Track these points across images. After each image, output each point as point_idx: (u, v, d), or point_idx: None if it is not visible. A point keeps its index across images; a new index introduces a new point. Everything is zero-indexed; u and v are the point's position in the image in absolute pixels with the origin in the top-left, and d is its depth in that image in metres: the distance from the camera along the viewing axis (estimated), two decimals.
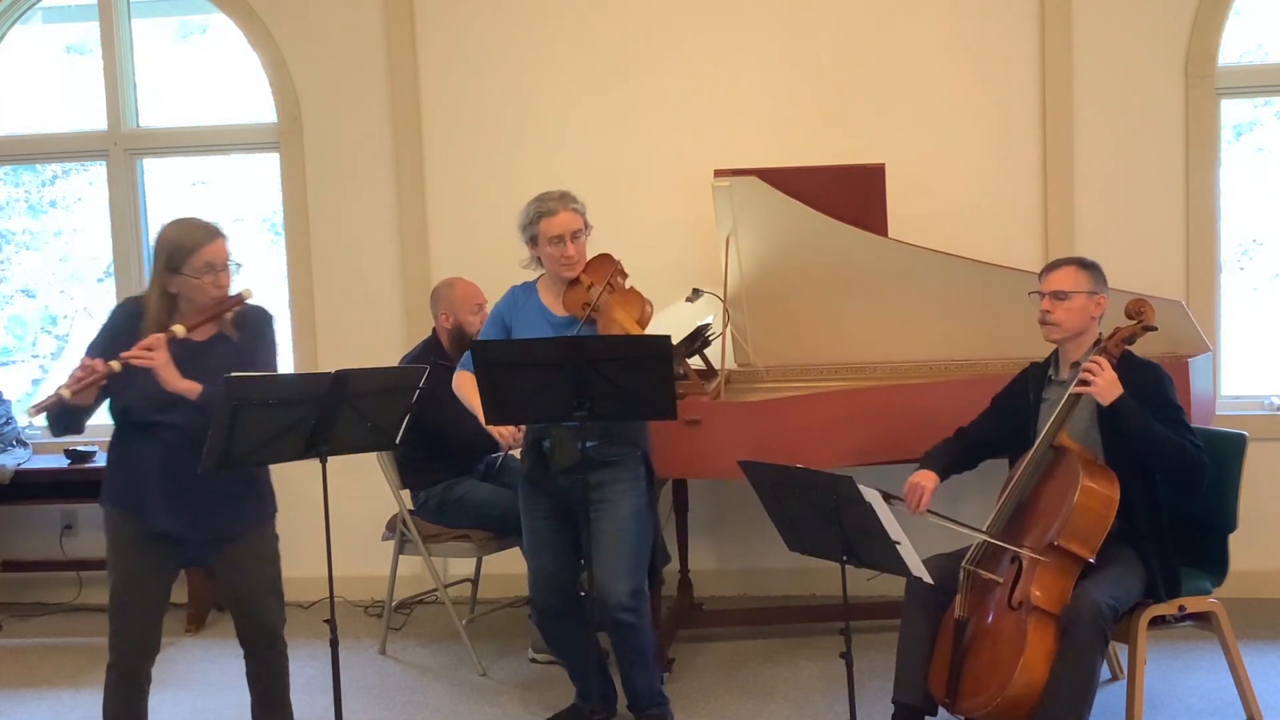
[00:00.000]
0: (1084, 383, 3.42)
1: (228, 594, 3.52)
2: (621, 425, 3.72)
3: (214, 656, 4.78)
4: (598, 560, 3.73)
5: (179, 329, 3.23)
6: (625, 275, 3.80)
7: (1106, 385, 3.40)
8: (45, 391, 3.24)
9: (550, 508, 3.79)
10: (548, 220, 3.74)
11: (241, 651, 3.54)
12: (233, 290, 3.35)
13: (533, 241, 3.80)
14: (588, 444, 3.61)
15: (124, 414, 3.34)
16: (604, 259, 3.80)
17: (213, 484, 3.27)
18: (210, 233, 3.31)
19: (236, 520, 3.41)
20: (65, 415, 3.26)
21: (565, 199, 3.78)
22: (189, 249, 3.26)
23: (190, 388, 3.21)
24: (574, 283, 3.78)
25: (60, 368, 6.13)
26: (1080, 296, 3.56)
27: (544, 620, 3.94)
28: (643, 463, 3.80)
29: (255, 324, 3.43)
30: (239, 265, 3.37)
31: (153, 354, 3.18)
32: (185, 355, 3.26)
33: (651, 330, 3.69)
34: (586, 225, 3.80)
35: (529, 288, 3.91)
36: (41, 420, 5.78)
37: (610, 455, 3.74)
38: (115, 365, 3.17)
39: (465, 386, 3.79)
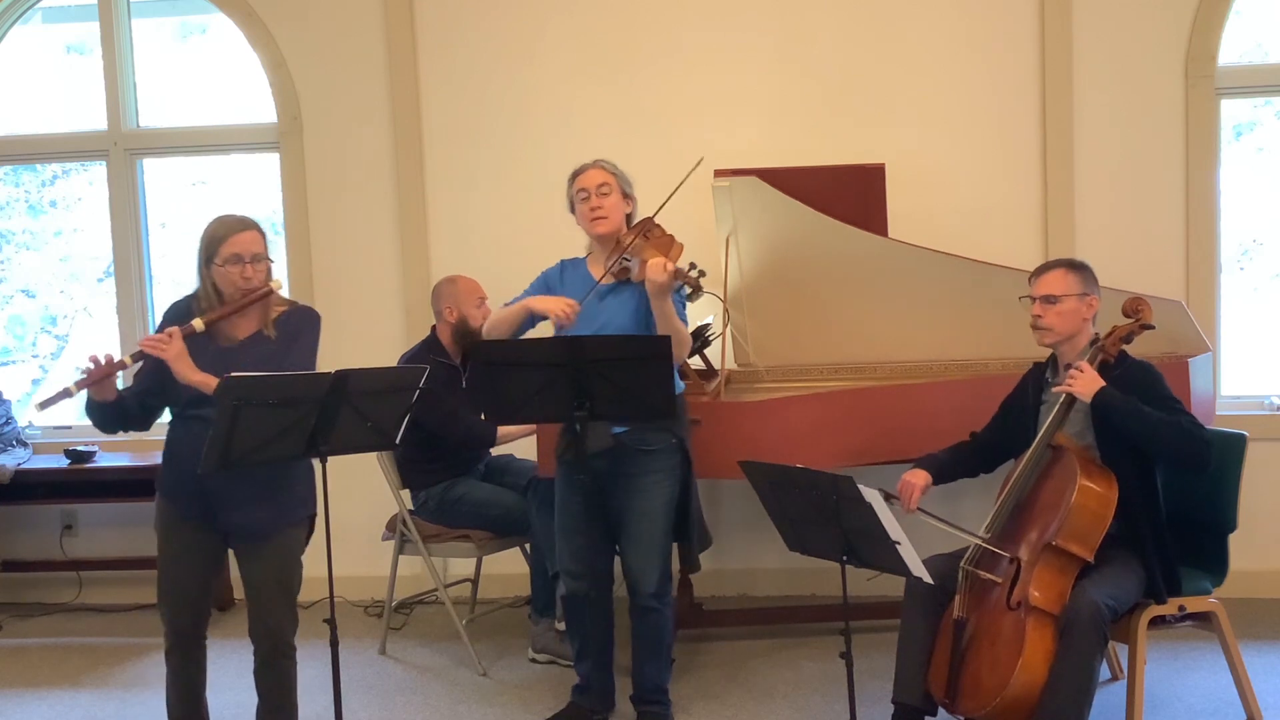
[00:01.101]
0: (1068, 386, 3.43)
1: (245, 588, 3.53)
2: None
3: (214, 656, 4.75)
4: (629, 547, 3.80)
5: (197, 323, 3.27)
6: (661, 229, 3.80)
7: (1086, 383, 3.41)
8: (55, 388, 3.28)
9: (586, 489, 3.77)
10: (578, 178, 3.85)
11: (248, 651, 3.55)
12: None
13: (572, 207, 3.87)
14: (620, 430, 3.65)
15: (173, 407, 3.38)
16: (643, 220, 3.83)
17: (242, 478, 3.29)
18: (241, 224, 3.37)
19: (260, 516, 3.40)
20: (94, 410, 3.30)
21: (597, 161, 3.88)
22: (219, 239, 3.33)
23: (204, 381, 3.24)
24: (616, 246, 3.81)
25: (60, 368, 6.13)
26: (1071, 299, 3.55)
27: (571, 605, 3.96)
28: (679, 451, 3.80)
29: (294, 325, 3.45)
30: (272, 261, 3.41)
31: (166, 345, 3.21)
32: (220, 354, 3.30)
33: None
34: (625, 193, 3.84)
35: (578, 260, 3.95)
36: (47, 420, 5.83)
37: (647, 443, 3.75)
38: (127, 360, 3.22)
39: (500, 314, 3.84)
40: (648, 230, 3.78)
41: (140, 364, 3.38)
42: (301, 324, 3.47)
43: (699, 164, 3.75)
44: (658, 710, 3.90)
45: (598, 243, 3.86)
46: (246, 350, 3.36)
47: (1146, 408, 3.40)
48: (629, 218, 3.87)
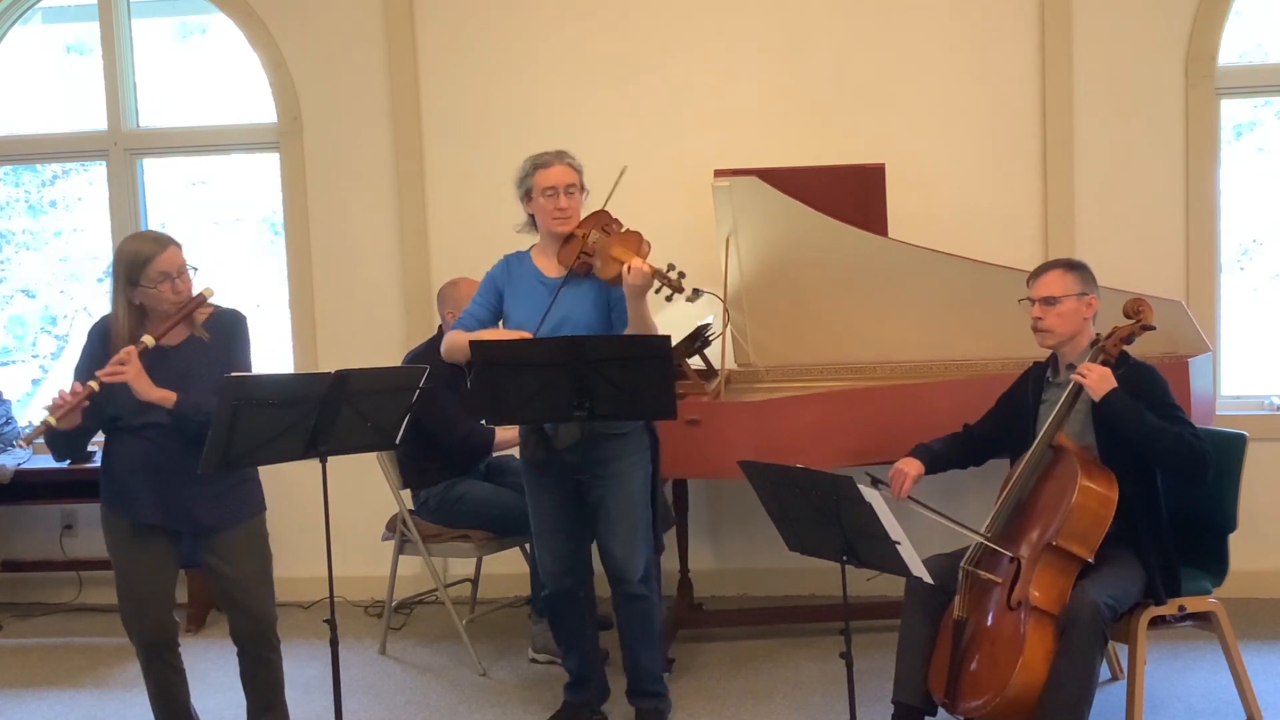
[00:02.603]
0: (1082, 378, 3.43)
1: (218, 589, 3.55)
2: None
3: (214, 656, 4.78)
4: (611, 536, 3.77)
5: (148, 339, 3.31)
6: (620, 223, 3.74)
7: (1098, 380, 3.41)
8: (38, 414, 3.36)
9: (558, 489, 3.76)
10: (543, 171, 3.75)
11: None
12: (196, 292, 3.42)
13: (527, 196, 3.80)
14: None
15: (112, 422, 3.41)
16: (597, 213, 3.77)
17: (194, 479, 3.32)
18: (161, 243, 3.38)
19: (218, 514, 3.43)
20: (61, 440, 3.38)
21: (561, 154, 3.80)
22: (143, 261, 3.33)
23: (164, 397, 3.28)
24: (568, 240, 3.76)
25: (60, 368, 6.13)
26: (1070, 300, 3.55)
27: (554, 603, 3.93)
28: (647, 430, 3.80)
29: (226, 326, 3.49)
30: (195, 269, 3.42)
31: (124, 368, 3.26)
32: (158, 361, 3.33)
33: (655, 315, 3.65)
34: (583, 186, 3.79)
35: (522, 255, 3.90)
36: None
37: (616, 428, 3.73)
38: (94, 385, 3.27)
39: (455, 340, 3.74)
40: (606, 225, 3.72)
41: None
42: (233, 324, 3.51)
43: (623, 172, 3.70)
44: (656, 701, 3.90)
45: (550, 237, 3.81)
46: (184, 354, 3.39)
47: (1152, 417, 3.40)
48: None
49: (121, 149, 5.66)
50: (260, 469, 3.52)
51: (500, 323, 3.85)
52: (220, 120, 5.69)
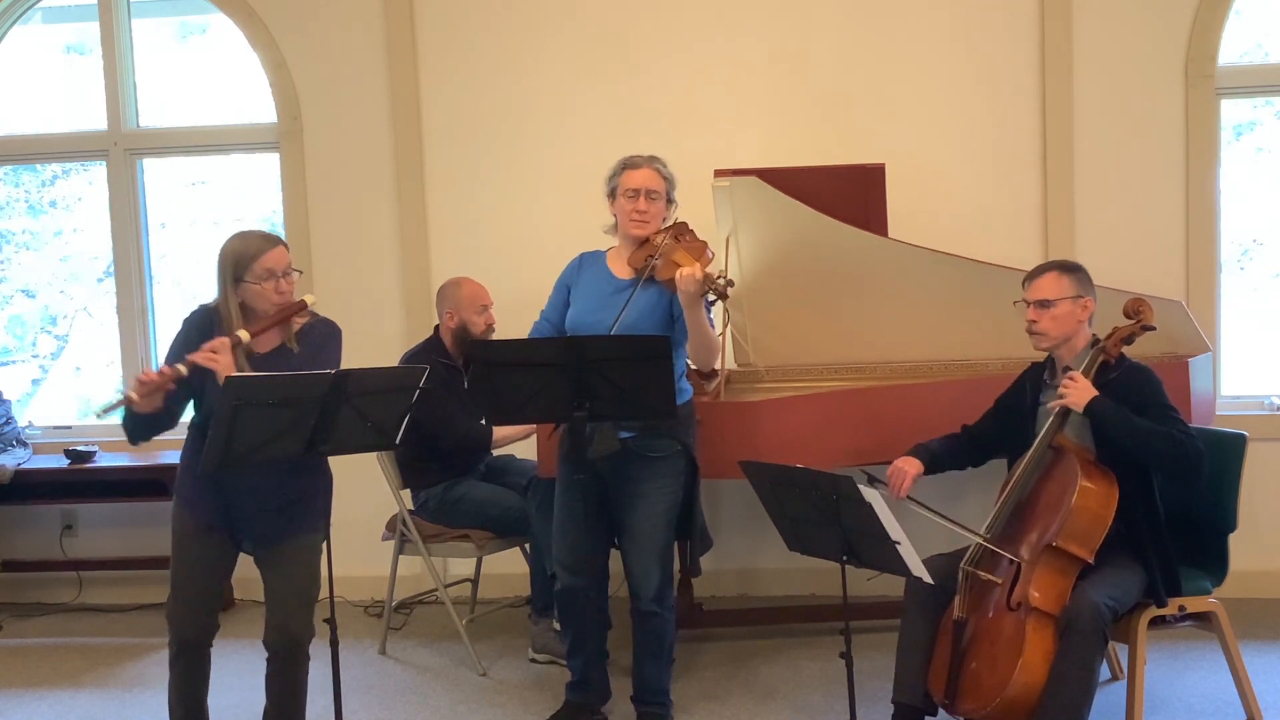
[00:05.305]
0: (1061, 399, 3.44)
1: (266, 594, 3.54)
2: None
3: (216, 656, 4.77)
4: (629, 552, 3.80)
5: (244, 334, 3.31)
6: (694, 234, 3.80)
7: (1078, 393, 3.42)
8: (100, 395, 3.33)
9: (587, 489, 3.75)
10: (629, 172, 3.81)
11: (250, 651, 3.56)
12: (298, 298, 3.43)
13: (612, 195, 3.85)
14: (627, 435, 3.67)
15: (204, 419, 3.38)
16: (677, 223, 3.83)
17: (265, 488, 3.33)
18: (270, 241, 3.39)
19: (278, 526, 3.43)
20: (139, 421, 3.34)
21: (653, 159, 3.85)
22: (250, 257, 3.34)
23: None
24: (643, 245, 3.79)
25: (60, 368, 6.13)
26: (1065, 303, 3.55)
27: (565, 597, 3.93)
28: (684, 457, 3.79)
29: (318, 337, 3.48)
30: (299, 272, 3.44)
31: (217, 357, 3.24)
32: (248, 367, 3.32)
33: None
34: (670, 198, 3.83)
35: (598, 254, 3.93)
36: (47, 420, 5.84)
37: (653, 450, 3.74)
38: (182, 369, 3.26)
39: None
40: (680, 233, 3.78)
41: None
42: (325, 337, 3.50)
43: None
44: (658, 711, 3.91)
45: (627, 240, 3.84)
46: (271, 362, 3.38)
47: (1138, 419, 3.40)
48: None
49: (121, 149, 5.66)
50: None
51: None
52: (220, 120, 5.70)
